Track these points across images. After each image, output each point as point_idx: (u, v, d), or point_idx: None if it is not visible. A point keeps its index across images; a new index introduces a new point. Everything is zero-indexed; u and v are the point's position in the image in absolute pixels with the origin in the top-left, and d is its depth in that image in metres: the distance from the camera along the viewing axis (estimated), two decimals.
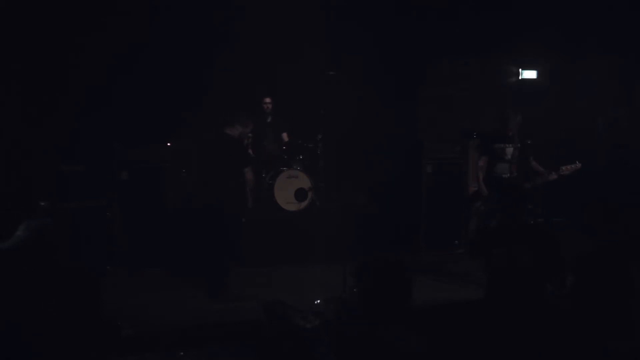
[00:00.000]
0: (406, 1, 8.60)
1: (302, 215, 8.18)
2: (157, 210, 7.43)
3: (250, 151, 8.36)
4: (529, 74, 9.67)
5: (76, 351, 3.35)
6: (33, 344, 3.25)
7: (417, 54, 8.83)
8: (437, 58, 9.21)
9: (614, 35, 8.91)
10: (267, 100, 8.72)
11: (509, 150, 6.95)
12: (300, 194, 8.25)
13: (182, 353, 4.84)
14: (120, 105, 7.70)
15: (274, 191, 8.24)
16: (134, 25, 7.74)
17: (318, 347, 3.32)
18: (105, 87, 7.65)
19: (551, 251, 4.35)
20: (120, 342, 4.83)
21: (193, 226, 7.11)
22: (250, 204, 6.87)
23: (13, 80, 7.33)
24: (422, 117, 9.20)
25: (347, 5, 8.36)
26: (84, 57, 7.56)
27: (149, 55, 7.91)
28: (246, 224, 7.18)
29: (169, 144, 7.76)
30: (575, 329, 3.66)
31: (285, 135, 8.77)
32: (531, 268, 4.27)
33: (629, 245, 3.92)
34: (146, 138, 7.60)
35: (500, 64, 9.65)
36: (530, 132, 9.04)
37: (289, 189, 8.27)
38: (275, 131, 8.80)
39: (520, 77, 9.67)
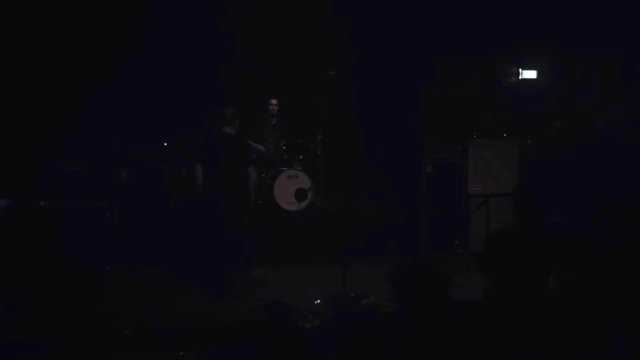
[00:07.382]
0: (406, 1, 8.59)
1: (302, 215, 8.18)
2: (157, 210, 7.43)
3: (261, 147, 8.37)
4: (529, 74, 9.67)
5: (76, 351, 3.36)
6: (32, 343, 3.25)
7: (417, 53, 8.82)
8: (437, 58, 9.20)
9: (614, 35, 8.90)
10: (274, 101, 8.71)
11: None
12: (300, 194, 8.25)
13: (182, 353, 4.85)
14: (121, 105, 7.69)
15: (274, 191, 8.24)
16: (135, 25, 7.74)
17: (318, 347, 3.33)
18: (106, 86, 7.64)
19: (553, 251, 4.36)
20: (120, 342, 4.85)
21: (193, 226, 7.11)
22: (253, 203, 6.88)
23: (13, 80, 7.32)
24: (422, 117, 9.18)
25: (347, 5, 8.35)
26: (84, 57, 7.55)
27: (149, 55, 7.90)
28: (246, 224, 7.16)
29: (168, 144, 7.76)
30: (581, 328, 3.65)
31: (282, 144, 8.73)
32: (537, 269, 4.28)
33: (635, 246, 3.92)
34: (146, 138, 7.60)
35: (500, 64, 9.64)
36: (530, 132, 9.10)
37: (289, 189, 8.27)
38: (278, 133, 8.79)
39: (520, 77, 9.67)
